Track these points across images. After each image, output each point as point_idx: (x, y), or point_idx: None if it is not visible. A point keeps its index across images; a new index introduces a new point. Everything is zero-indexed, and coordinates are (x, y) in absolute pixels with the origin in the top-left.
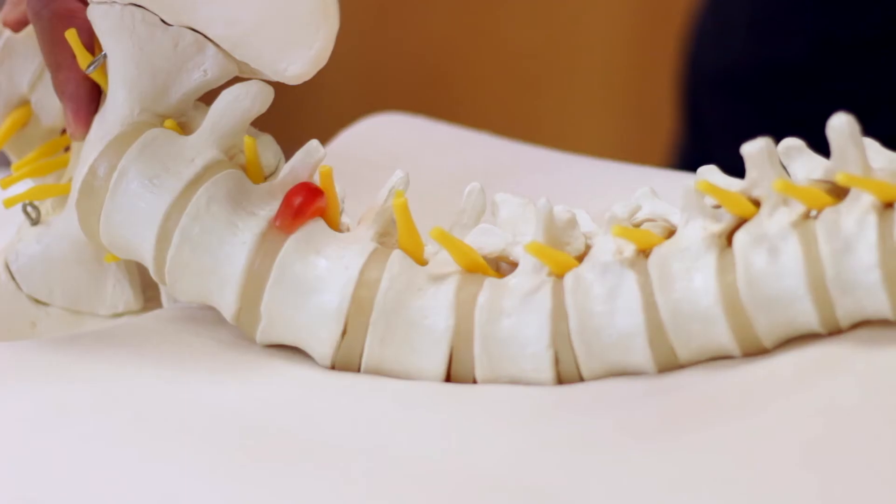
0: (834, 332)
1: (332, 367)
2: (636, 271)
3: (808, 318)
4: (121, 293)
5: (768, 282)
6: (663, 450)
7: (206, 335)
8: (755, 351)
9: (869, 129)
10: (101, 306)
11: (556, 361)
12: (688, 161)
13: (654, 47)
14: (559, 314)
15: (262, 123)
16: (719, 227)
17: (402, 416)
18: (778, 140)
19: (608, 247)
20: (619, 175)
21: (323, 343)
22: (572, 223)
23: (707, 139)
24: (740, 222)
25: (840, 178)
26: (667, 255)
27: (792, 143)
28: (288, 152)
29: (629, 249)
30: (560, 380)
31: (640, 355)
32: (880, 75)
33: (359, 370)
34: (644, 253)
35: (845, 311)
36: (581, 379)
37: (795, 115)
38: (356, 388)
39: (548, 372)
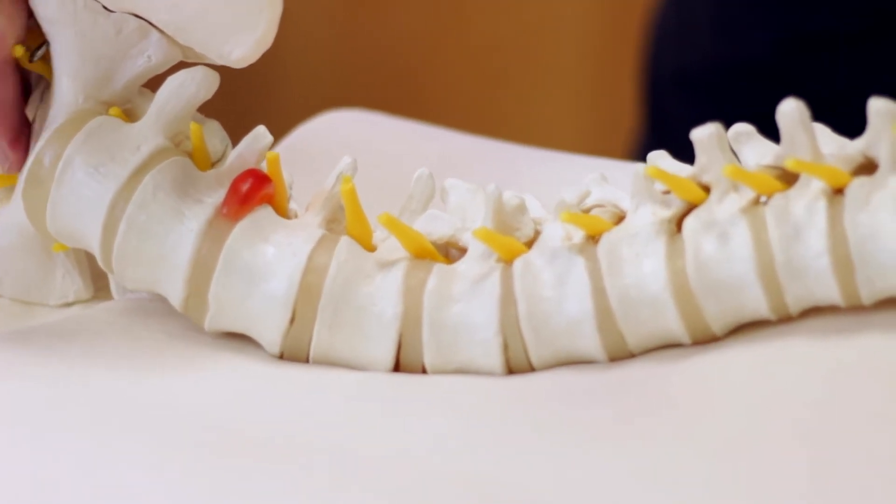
0: (784, 318)
1: (281, 355)
2: (585, 257)
3: (758, 304)
4: (70, 282)
5: (718, 267)
6: (618, 443)
7: (156, 327)
8: (705, 338)
9: (833, 127)
10: (50, 296)
11: (505, 348)
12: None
13: (622, 44)
14: (508, 300)
15: (226, 121)
16: (669, 212)
17: (351, 409)
18: None
19: (557, 233)
20: (575, 166)
21: (271, 330)
22: (521, 209)
23: (668, 137)
24: (690, 208)
25: (789, 164)
26: (616, 240)
27: (742, 128)
28: None
29: (578, 235)
30: (509, 367)
31: (590, 341)
32: (844, 72)
33: (307, 358)
34: (593, 239)
35: (795, 298)
36: (531, 366)
37: (757, 113)
38: (305, 379)
39: (497, 358)
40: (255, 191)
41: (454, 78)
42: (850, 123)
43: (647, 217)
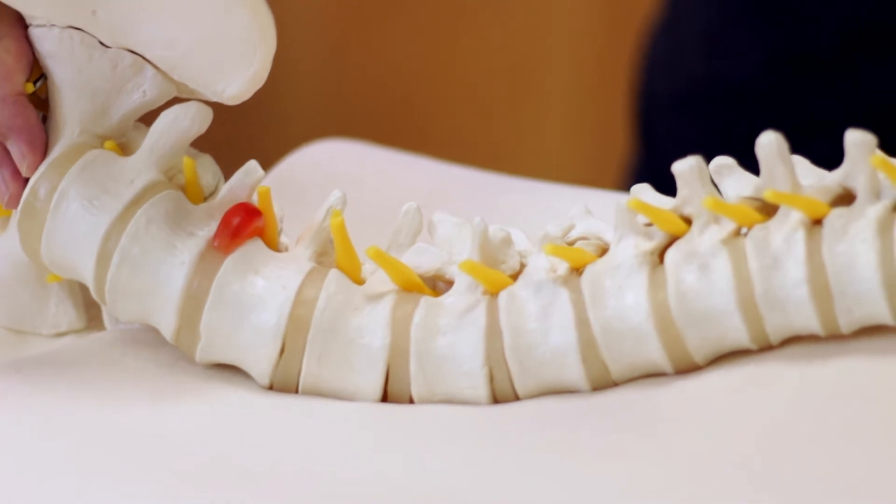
0: (765, 347)
1: (271, 387)
2: (569, 289)
3: (739, 334)
4: (63, 313)
5: (699, 298)
6: (601, 467)
7: (147, 357)
8: (687, 367)
9: (821, 146)
10: (43, 326)
11: (491, 379)
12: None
13: (613, 72)
14: (493, 332)
15: (220, 151)
16: (651, 244)
17: (339, 438)
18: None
19: (542, 265)
20: (562, 196)
21: (261, 362)
22: (507, 242)
23: (661, 161)
24: (672, 240)
25: (768, 196)
26: (599, 272)
27: (723, 161)
28: None
29: (562, 267)
30: (495, 397)
31: (574, 372)
32: (833, 93)
33: (297, 389)
34: (577, 271)
35: (775, 327)
36: (516, 395)
37: (748, 135)
38: (294, 410)
39: (483, 389)
40: (245, 224)
41: (447, 107)
42: (842, 143)
43: (629, 249)
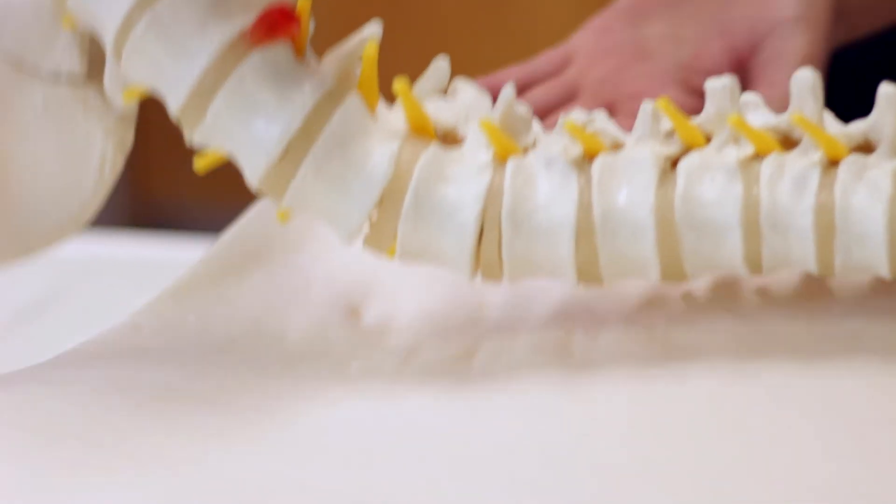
0: (755, 272)
1: (258, 191)
2: (579, 169)
3: (735, 251)
4: (68, 57)
5: (704, 207)
6: None
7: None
8: (674, 276)
9: None
10: (45, 62)
11: (480, 237)
12: None
13: None
14: (495, 192)
15: None
16: (668, 150)
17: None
18: None
19: (556, 144)
20: None
21: (262, 156)
22: (528, 121)
23: None
24: (687, 152)
25: (795, 118)
26: (612, 162)
27: (750, 97)
28: None
29: (576, 150)
30: (477, 262)
31: (564, 251)
32: None
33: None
34: (589, 158)
35: (771, 251)
36: (500, 266)
37: None
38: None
39: (468, 244)
40: (281, 23)
41: None
42: None
43: (646, 149)
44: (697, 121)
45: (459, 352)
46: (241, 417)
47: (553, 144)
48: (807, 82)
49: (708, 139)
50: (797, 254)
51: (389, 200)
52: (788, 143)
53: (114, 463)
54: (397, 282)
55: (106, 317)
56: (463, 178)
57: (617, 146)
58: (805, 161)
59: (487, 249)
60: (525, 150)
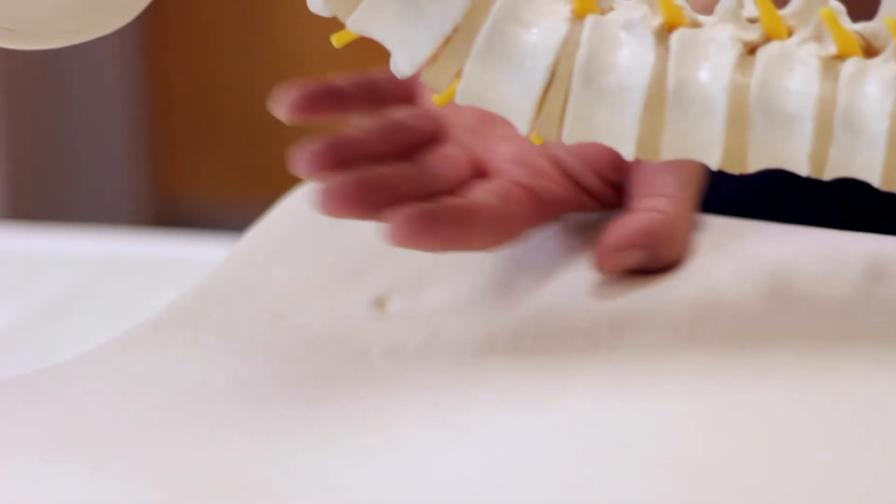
0: (816, 172)
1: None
2: (658, 37)
3: (802, 145)
4: None
5: (781, 95)
6: None
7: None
8: (734, 163)
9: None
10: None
11: (547, 87)
12: None
13: None
14: (571, 44)
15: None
16: (748, 35)
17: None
18: None
19: (637, 11)
20: None
21: (421, 42)
22: None
23: None
24: (767, 42)
25: (889, 22)
26: (692, 36)
27: (836, 4)
28: None
29: (657, 20)
30: (538, 111)
31: (630, 115)
32: None
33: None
34: (669, 29)
35: (838, 152)
36: (560, 123)
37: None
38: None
39: (534, 94)
40: None
41: None
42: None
43: (725, 30)
44: (781, 13)
45: (483, 340)
46: (266, 410)
47: (634, 10)
48: None
49: (790, 33)
50: (863, 159)
51: (462, 34)
52: (870, 51)
53: (138, 458)
54: (423, 273)
55: (129, 315)
56: (541, 25)
57: (696, 25)
58: (888, 68)
59: (552, 103)
60: (603, 12)
